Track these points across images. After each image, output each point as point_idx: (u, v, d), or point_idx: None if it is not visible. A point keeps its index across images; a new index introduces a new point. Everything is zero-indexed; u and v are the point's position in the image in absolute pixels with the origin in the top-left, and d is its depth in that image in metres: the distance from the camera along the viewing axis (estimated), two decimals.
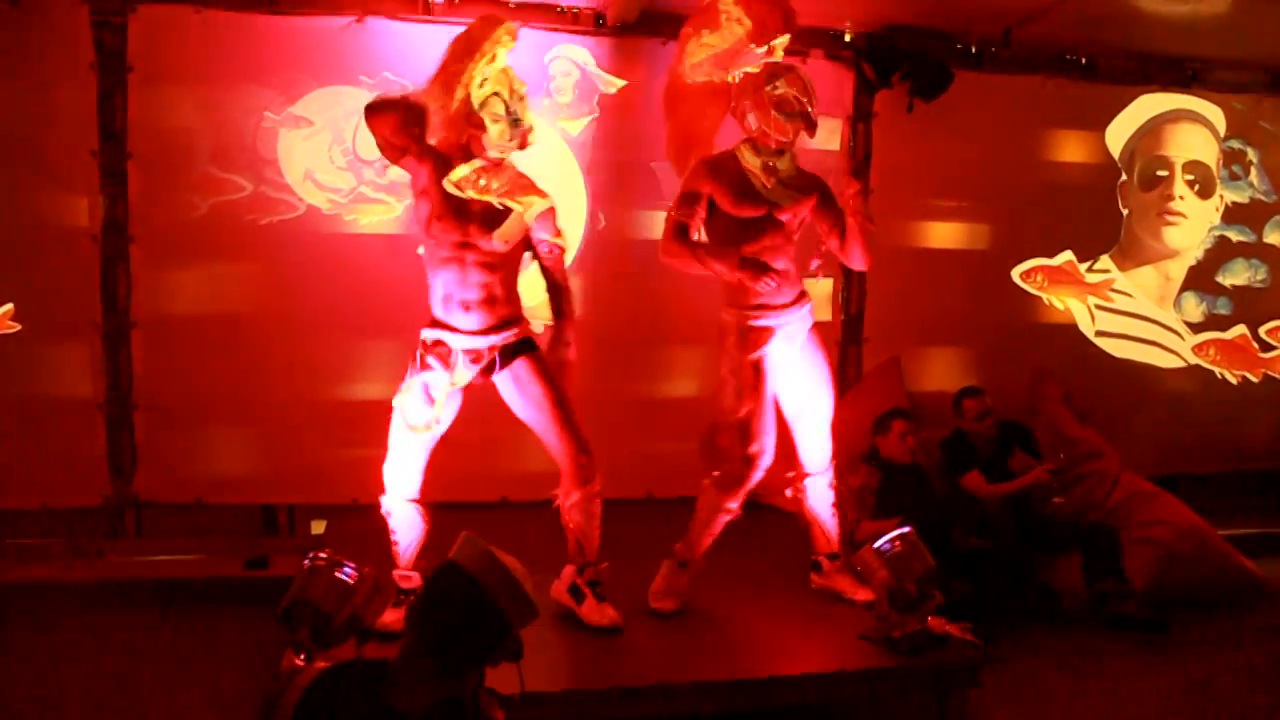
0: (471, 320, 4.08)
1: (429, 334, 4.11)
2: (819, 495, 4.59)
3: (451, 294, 4.08)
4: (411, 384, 4.07)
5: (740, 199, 4.28)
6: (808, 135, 4.29)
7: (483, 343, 4.09)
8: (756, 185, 4.30)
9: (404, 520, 4.12)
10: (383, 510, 4.13)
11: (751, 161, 4.31)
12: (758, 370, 4.32)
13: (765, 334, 4.33)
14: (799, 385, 4.48)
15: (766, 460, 4.32)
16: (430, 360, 4.06)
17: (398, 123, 3.91)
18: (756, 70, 4.26)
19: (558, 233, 4.22)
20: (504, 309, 4.13)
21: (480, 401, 4.29)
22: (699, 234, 4.36)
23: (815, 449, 4.55)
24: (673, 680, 3.79)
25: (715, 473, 4.37)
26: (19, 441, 5.36)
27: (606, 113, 5.88)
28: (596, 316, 5.86)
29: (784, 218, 4.35)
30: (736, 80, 4.33)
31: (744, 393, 4.30)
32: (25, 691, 4.25)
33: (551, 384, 4.15)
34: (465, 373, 4.10)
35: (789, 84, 4.20)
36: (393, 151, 3.99)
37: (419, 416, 4.03)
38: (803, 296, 4.45)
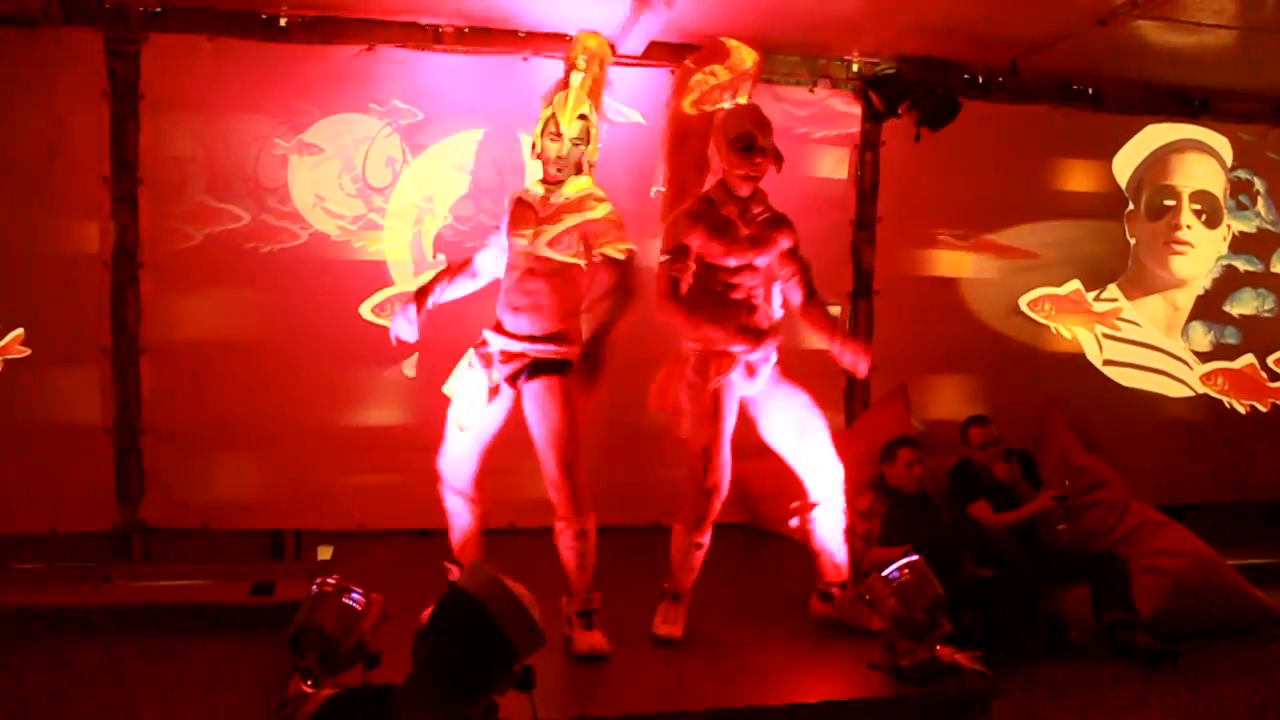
0: (517, 323, 4.19)
1: (485, 333, 4.27)
2: (830, 525, 4.50)
3: (506, 297, 4.23)
4: (460, 386, 4.22)
5: (727, 247, 4.25)
6: (774, 170, 4.27)
7: (518, 347, 4.18)
8: (738, 231, 4.28)
9: (454, 511, 4.33)
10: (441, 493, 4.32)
11: (730, 207, 4.28)
12: (717, 400, 4.29)
13: (727, 362, 4.29)
14: (782, 418, 4.44)
15: (724, 491, 4.34)
16: (475, 360, 4.20)
17: None
18: (716, 110, 4.27)
19: (615, 238, 4.21)
20: (552, 322, 4.19)
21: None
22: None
23: (822, 474, 4.45)
24: (680, 709, 3.77)
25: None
26: (27, 466, 5.36)
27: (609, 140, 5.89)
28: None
29: (760, 262, 4.35)
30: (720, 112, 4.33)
31: (702, 422, 4.29)
32: (31, 717, 4.24)
33: (569, 415, 4.15)
34: (498, 372, 4.19)
35: (746, 121, 4.20)
36: None
37: (465, 417, 4.18)
38: (769, 334, 4.39)
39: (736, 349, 4.28)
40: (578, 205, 4.20)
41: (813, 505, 4.49)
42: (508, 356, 4.19)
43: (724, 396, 4.31)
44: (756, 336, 4.27)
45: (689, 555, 4.36)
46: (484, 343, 4.24)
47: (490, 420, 4.21)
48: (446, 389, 4.25)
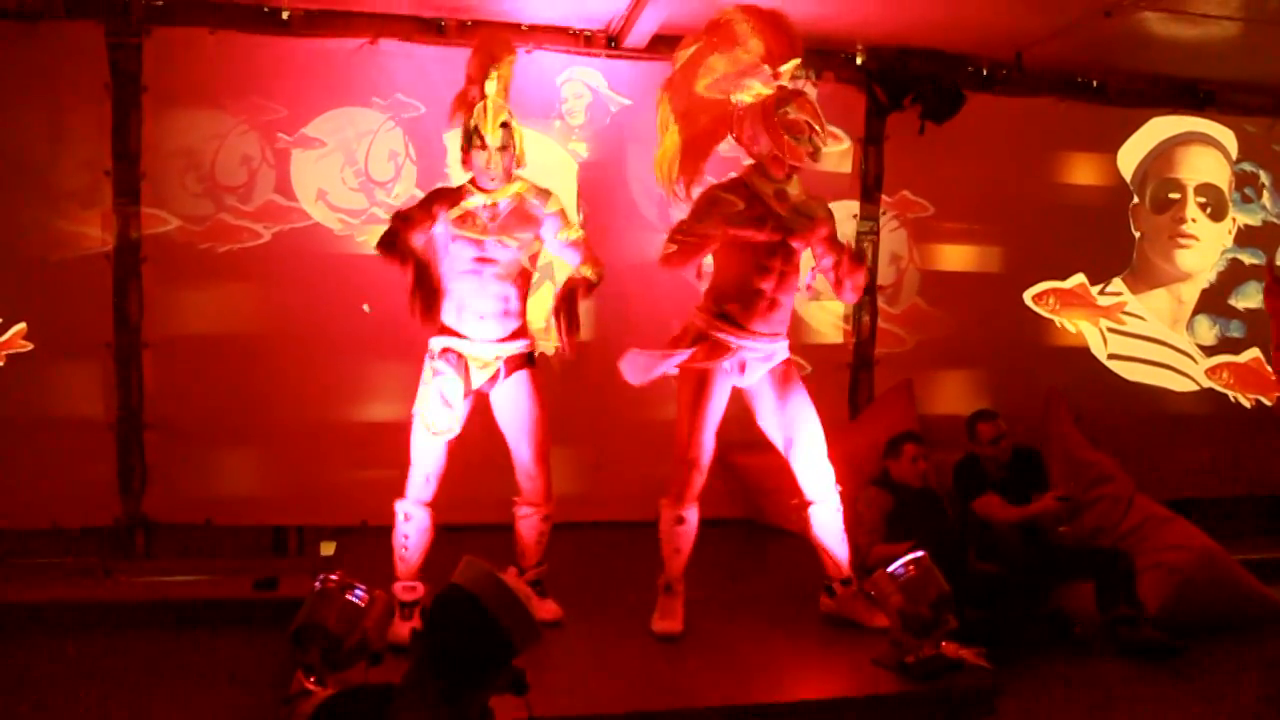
0: (484, 329, 4.31)
1: (438, 341, 4.29)
2: (825, 523, 4.51)
3: (467, 304, 4.30)
4: (428, 392, 4.24)
5: (757, 225, 4.27)
6: (812, 161, 4.29)
7: (491, 352, 4.34)
8: (770, 211, 4.29)
9: (417, 525, 4.27)
10: (400, 513, 4.26)
11: (763, 188, 4.30)
12: (703, 380, 4.32)
13: (722, 348, 4.32)
14: (777, 415, 4.45)
15: (703, 466, 4.36)
16: (441, 366, 4.24)
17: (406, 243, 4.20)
18: (768, 93, 4.25)
19: (567, 224, 4.48)
20: (517, 320, 4.39)
21: (483, 422, 4.47)
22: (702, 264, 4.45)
23: (815, 477, 4.48)
24: (682, 706, 3.77)
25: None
26: (30, 461, 5.35)
27: (612, 133, 5.90)
28: (602, 338, 5.86)
29: (797, 244, 4.35)
30: (746, 101, 4.31)
31: (685, 399, 4.34)
32: (34, 712, 4.24)
33: (542, 405, 4.44)
34: (477, 377, 4.32)
35: (800, 109, 4.21)
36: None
37: (440, 422, 4.20)
38: (775, 336, 4.42)
39: (736, 341, 4.30)
40: (521, 212, 4.36)
41: (808, 504, 4.51)
42: (481, 363, 4.33)
43: (712, 377, 4.33)
44: (761, 334, 4.30)
45: (673, 531, 4.37)
46: (446, 350, 4.29)
47: (463, 422, 4.28)
48: (419, 406, 4.29)
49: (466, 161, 4.33)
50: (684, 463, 4.35)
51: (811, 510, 4.51)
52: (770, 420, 4.48)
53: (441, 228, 4.31)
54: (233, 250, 5.53)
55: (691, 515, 4.38)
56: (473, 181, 4.35)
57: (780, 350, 4.45)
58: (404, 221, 4.25)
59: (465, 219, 4.30)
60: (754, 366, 4.39)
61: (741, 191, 4.31)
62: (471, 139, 4.26)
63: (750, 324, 4.33)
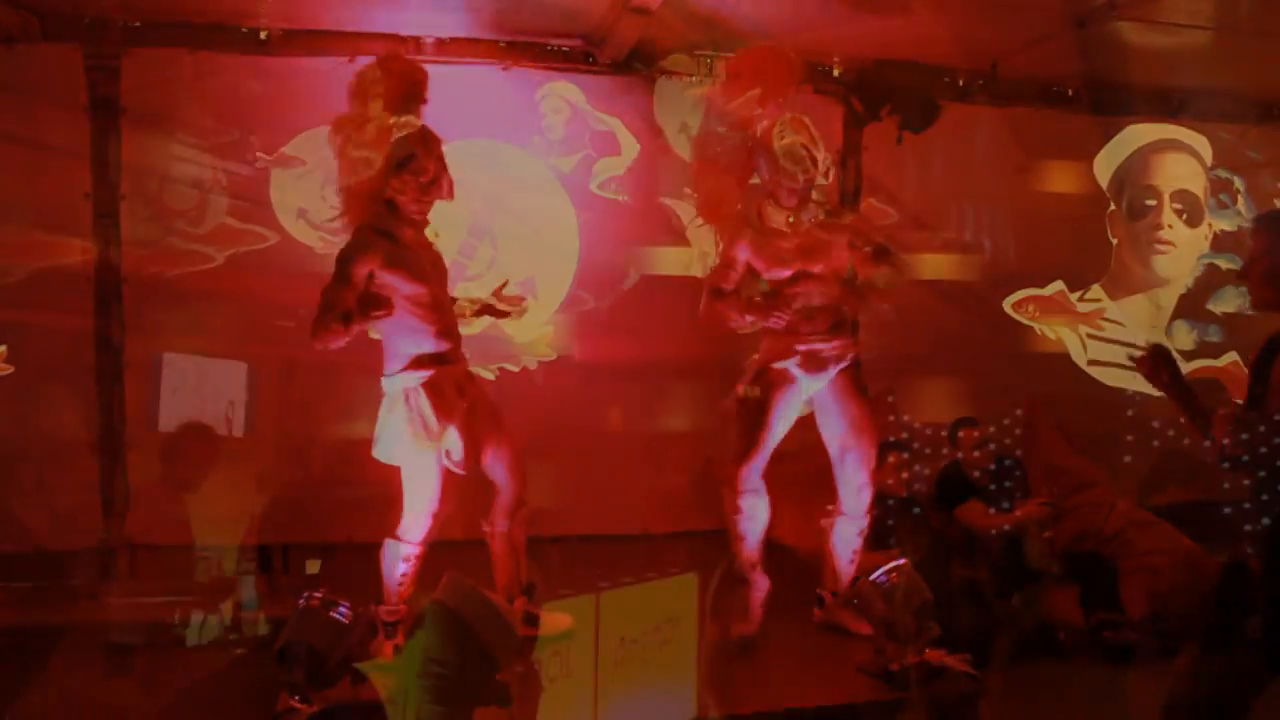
0: (451, 345, 4.20)
1: (415, 377, 4.08)
2: (847, 538, 4.60)
3: (440, 321, 4.18)
4: (412, 416, 4.05)
5: (771, 263, 4.38)
6: (824, 179, 4.39)
7: (462, 365, 4.29)
8: (785, 243, 4.34)
9: (414, 565, 4.14)
10: (401, 555, 4.12)
11: (775, 219, 4.35)
12: (763, 406, 4.40)
13: (783, 375, 4.42)
14: (837, 428, 4.52)
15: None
16: (429, 395, 4.07)
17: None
18: (764, 124, 4.33)
19: None
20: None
21: None
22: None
23: (853, 493, 4.56)
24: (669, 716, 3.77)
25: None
26: (12, 483, 5.34)
27: (599, 150, 5.92)
28: (592, 352, 5.88)
29: (816, 269, 4.40)
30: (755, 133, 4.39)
31: (749, 425, 4.42)
32: None
33: None
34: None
35: (795, 131, 4.27)
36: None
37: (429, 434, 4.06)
38: (843, 341, 4.48)
39: (789, 365, 4.40)
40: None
41: (838, 513, 4.59)
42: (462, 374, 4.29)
43: (775, 401, 4.43)
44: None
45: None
46: (433, 380, 4.11)
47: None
48: (421, 445, 4.07)
49: (398, 188, 4.12)
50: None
51: (839, 520, 4.61)
52: (829, 428, 4.55)
53: (388, 274, 4.10)
54: (216, 269, 5.53)
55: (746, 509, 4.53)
56: (396, 208, 4.18)
57: (839, 354, 4.50)
58: (346, 318, 3.96)
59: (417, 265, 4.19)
60: (815, 373, 4.45)
61: (759, 227, 4.41)
62: (406, 166, 4.08)
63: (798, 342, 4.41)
